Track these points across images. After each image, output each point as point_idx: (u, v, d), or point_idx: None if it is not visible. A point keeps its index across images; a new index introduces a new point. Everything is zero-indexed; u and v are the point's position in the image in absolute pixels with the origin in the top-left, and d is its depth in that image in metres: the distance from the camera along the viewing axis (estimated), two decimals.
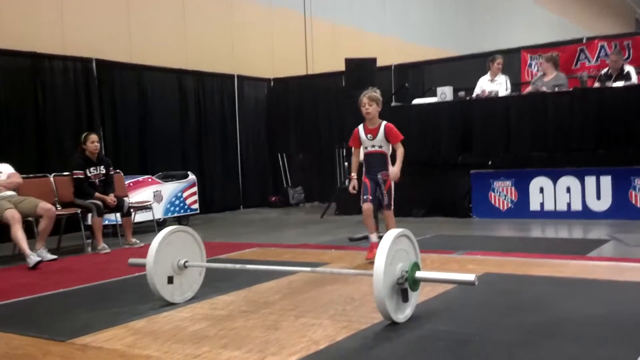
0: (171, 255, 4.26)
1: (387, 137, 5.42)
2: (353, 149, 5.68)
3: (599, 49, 10.03)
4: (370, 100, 5.43)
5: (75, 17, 9.84)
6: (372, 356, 3.09)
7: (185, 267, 4.30)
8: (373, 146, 5.47)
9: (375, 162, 5.48)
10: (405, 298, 3.51)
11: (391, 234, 3.53)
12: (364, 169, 5.60)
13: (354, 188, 5.55)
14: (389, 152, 5.49)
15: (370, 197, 5.45)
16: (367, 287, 4.46)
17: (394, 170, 5.37)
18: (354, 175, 5.57)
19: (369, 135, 5.48)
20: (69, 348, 3.41)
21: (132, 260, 4.53)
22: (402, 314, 3.56)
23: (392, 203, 5.56)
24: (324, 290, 4.34)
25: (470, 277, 3.42)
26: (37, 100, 9.07)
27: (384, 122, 5.48)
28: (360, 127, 5.56)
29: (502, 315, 3.69)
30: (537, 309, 3.79)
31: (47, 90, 9.20)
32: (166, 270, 4.23)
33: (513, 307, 3.88)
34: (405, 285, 3.49)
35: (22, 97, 8.93)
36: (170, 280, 4.24)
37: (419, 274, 3.57)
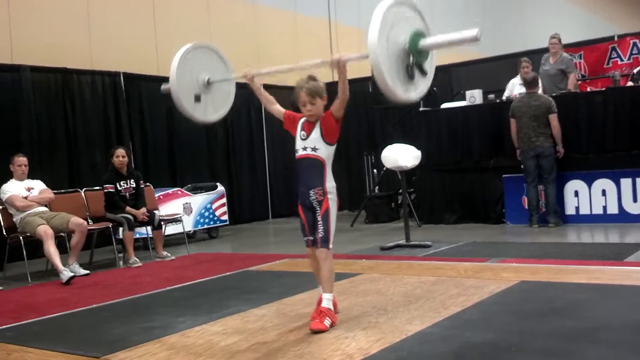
0: (195, 73, 3.97)
1: (324, 132, 3.87)
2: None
3: (631, 46, 9.83)
4: (311, 97, 3.87)
5: (102, 32, 9.96)
6: None
7: (209, 83, 4.02)
8: (305, 148, 3.90)
9: (306, 172, 3.90)
10: (411, 75, 3.16)
11: (384, 2, 3.09)
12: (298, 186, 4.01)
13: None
14: (329, 159, 3.89)
15: (312, 238, 3.94)
16: (400, 297, 4.42)
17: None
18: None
19: (302, 133, 3.93)
20: None
21: (163, 87, 4.35)
22: (415, 92, 3.25)
23: (330, 237, 3.85)
24: (356, 302, 4.29)
25: (473, 32, 3.10)
26: (66, 116, 9.19)
27: (323, 115, 3.91)
28: (303, 117, 4.00)
29: (539, 324, 3.60)
30: (574, 317, 3.70)
31: (76, 105, 9.31)
32: (192, 87, 3.96)
33: (550, 314, 3.78)
34: (410, 60, 3.14)
35: (53, 113, 9.06)
36: (197, 98, 3.93)
37: (422, 42, 3.20)
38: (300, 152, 3.93)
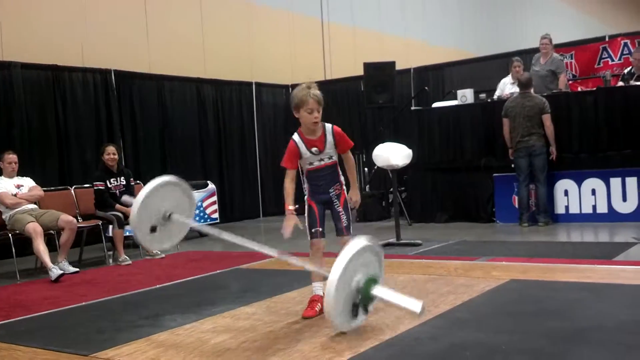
0: (157, 206, 3.80)
1: (338, 145, 4.04)
2: (287, 171, 4.03)
3: (621, 46, 9.87)
4: (318, 105, 3.99)
5: (94, 29, 9.91)
6: None
7: (170, 219, 3.81)
8: (321, 160, 4.04)
9: (325, 177, 4.07)
10: (355, 313, 3.44)
11: (356, 244, 3.31)
12: (307, 190, 4.16)
13: (290, 227, 3.87)
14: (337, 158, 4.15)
15: (321, 229, 4.07)
16: None
17: (355, 194, 4.14)
18: (291, 208, 3.92)
19: (313, 149, 4.01)
20: None
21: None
22: (355, 323, 3.51)
23: (351, 224, 4.09)
24: None
25: (418, 307, 3.27)
26: (57, 113, 9.13)
27: (328, 126, 4.06)
28: (297, 138, 4.05)
29: (529, 323, 3.61)
30: (565, 316, 3.70)
31: (67, 102, 9.26)
32: (150, 219, 3.81)
33: (540, 314, 3.79)
34: (357, 300, 3.38)
35: (44, 110, 8.99)
36: (153, 229, 3.81)
37: (374, 291, 3.39)
38: (316, 164, 4.07)
